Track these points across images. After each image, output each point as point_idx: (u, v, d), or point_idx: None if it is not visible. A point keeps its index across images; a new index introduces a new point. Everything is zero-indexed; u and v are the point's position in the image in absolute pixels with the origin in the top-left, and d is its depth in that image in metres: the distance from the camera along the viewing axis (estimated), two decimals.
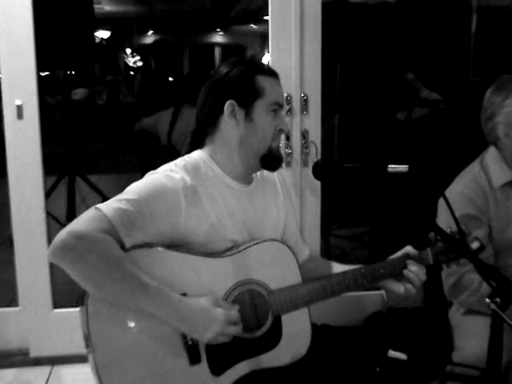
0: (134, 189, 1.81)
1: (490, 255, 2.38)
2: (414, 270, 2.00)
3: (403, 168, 1.71)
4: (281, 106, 1.96)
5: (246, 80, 1.91)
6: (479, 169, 2.49)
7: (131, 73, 7.77)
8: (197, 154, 1.99)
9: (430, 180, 1.98)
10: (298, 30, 3.22)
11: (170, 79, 5.56)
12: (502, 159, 2.45)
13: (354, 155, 4.56)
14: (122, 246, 1.72)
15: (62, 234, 1.67)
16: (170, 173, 1.86)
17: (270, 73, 1.96)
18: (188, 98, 4.26)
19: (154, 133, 4.26)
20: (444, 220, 2.38)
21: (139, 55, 7.84)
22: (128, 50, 7.89)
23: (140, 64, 7.83)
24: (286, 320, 1.93)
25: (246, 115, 1.92)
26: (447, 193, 2.51)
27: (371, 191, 4.05)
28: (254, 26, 8.38)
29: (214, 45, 8.63)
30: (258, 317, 1.89)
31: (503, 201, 2.43)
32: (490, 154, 2.49)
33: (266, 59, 3.54)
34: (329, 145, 4.46)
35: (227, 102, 1.90)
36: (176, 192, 1.82)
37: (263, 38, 8.69)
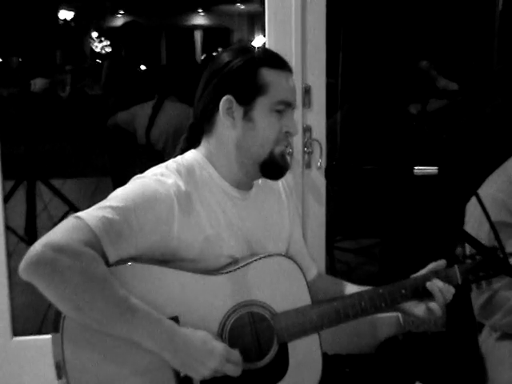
0: (120, 195, 1.79)
1: None
2: (440, 286, 2.00)
3: (432, 170, 1.70)
4: (289, 105, 1.94)
5: (248, 73, 1.89)
6: None
7: (98, 60, 7.76)
8: (191, 155, 1.98)
9: (460, 183, 1.98)
10: (299, 8, 3.20)
11: (143, 68, 5.56)
12: None
13: (359, 155, 4.55)
14: (106, 261, 1.70)
15: (37, 246, 1.64)
16: (160, 177, 1.85)
17: (280, 65, 1.94)
18: (171, 89, 4.24)
19: (130, 130, 4.25)
20: (473, 229, 2.38)
21: (108, 40, 7.82)
22: (95, 34, 7.87)
23: (109, 50, 7.82)
24: (294, 348, 1.93)
25: (244, 114, 1.90)
26: (475, 199, 2.50)
27: (385, 196, 4.05)
28: (242, 6, 8.38)
29: (194, 27, 8.62)
30: (260, 344, 1.88)
31: None
32: None
33: (258, 43, 3.52)
34: (331, 143, 4.45)
35: (224, 98, 1.89)
36: (168, 199, 1.81)
37: (252, 20, 8.69)
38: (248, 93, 1.89)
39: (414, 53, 5.11)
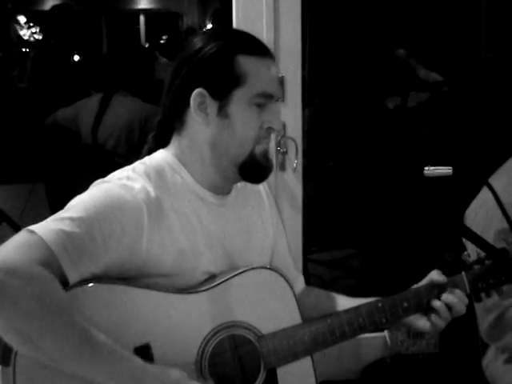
0: (80, 204, 1.75)
1: None
2: (451, 301, 1.99)
3: (446, 170, 1.69)
4: (271, 97, 1.90)
5: (223, 61, 1.85)
6: None
7: (25, 49, 7.66)
8: (160, 156, 1.95)
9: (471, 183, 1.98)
10: None
11: (77, 58, 5.51)
12: None
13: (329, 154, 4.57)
14: (65, 283, 1.65)
15: None
16: (126, 181, 1.81)
17: (259, 51, 1.90)
18: (119, 82, 4.19)
19: (73, 128, 4.17)
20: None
21: (37, 25, 7.72)
22: (22, 19, 7.75)
23: (39, 37, 7.73)
24: (284, 374, 1.91)
25: (219, 109, 1.86)
26: (478, 201, 2.52)
27: (365, 202, 4.07)
28: None
29: (137, 12, 8.57)
30: (245, 372, 1.86)
31: None
32: None
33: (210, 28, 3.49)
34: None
35: (195, 91, 1.85)
36: (136, 207, 1.77)
37: (204, 3, 8.66)
38: (223, 85, 1.85)
39: (390, 40, 5.14)
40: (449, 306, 2.00)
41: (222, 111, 1.86)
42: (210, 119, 1.87)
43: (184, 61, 1.90)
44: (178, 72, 1.90)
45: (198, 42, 1.89)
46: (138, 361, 1.66)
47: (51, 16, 5.24)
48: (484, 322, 2.44)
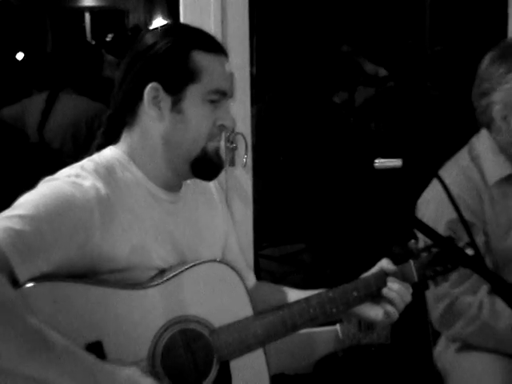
0: (29, 201, 1.73)
1: None
2: (396, 289, 2.01)
3: (396, 162, 1.70)
4: (224, 94, 1.91)
5: (177, 56, 1.85)
6: (469, 160, 2.54)
7: None
8: (110, 153, 1.93)
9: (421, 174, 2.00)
10: None
11: (21, 56, 5.44)
12: (497, 148, 2.49)
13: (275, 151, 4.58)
14: (15, 281, 1.63)
15: None
16: (75, 179, 1.79)
17: (214, 48, 1.91)
18: (65, 80, 4.15)
19: (19, 126, 4.11)
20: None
21: None
22: None
23: None
24: (237, 367, 1.92)
25: (173, 104, 1.86)
26: (428, 194, 2.54)
27: (313, 196, 4.08)
28: None
29: (82, 9, 8.48)
30: (198, 366, 1.86)
31: (501, 200, 2.49)
32: (482, 142, 2.54)
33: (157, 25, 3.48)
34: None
35: (149, 85, 1.85)
36: (87, 204, 1.75)
37: (150, 0, 8.62)
38: (177, 80, 1.85)
39: (337, 36, 5.16)
40: (396, 292, 2.01)
41: (176, 106, 1.86)
42: (163, 114, 1.86)
43: (137, 55, 1.89)
44: (130, 67, 1.90)
45: (151, 37, 1.89)
46: (91, 358, 1.64)
47: None
48: (435, 310, 2.47)
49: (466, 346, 2.49)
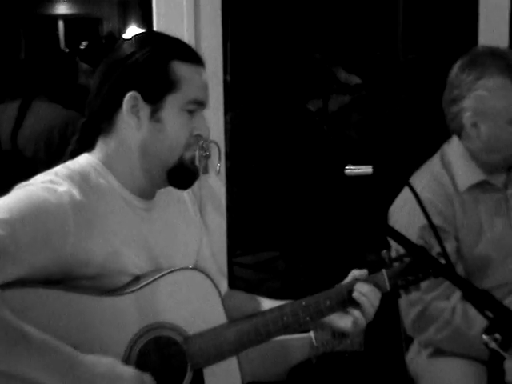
0: (3, 206, 1.72)
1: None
2: (365, 291, 2.00)
3: (366, 170, 1.71)
4: (201, 104, 1.93)
5: (157, 66, 1.87)
6: (440, 167, 2.56)
7: None
8: (84, 160, 1.93)
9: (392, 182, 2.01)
10: None
11: None
12: (468, 154, 2.51)
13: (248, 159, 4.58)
14: None
15: None
16: (50, 184, 1.79)
17: (193, 59, 1.92)
18: (38, 88, 4.12)
19: None
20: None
21: None
22: None
23: None
24: (210, 374, 1.92)
25: (151, 113, 1.87)
26: (400, 200, 2.56)
27: (287, 204, 4.08)
28: None
29: (56, 17, 8.45)
30: (171, 373, 1.87)
31: (472, 206, 2.52)
32: (453, 148, 2.57)
33: (130, 35, 3.47)
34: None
35: (128, 94, 1.86)
36: (61, 210, 1.76)
37: (124, 8, 8.61)
38: (157, 89, 1.86)
39: (311, 44, 5.18)
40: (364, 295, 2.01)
41: (155, 116, 1.87)
42: (141, 123, 1.87)
43: (115, 64, 1.90)
44: (108, 75, 1.90)
45: (129, 46, 1.90)
46: (71, 350, 1.66)
47: None
48: (408, 316, 2.48)
49: (438, 352, 2.50)
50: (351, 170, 1.74)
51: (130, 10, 7.90)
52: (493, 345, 1.59)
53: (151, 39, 1.94)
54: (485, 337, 1.60)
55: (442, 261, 1.97)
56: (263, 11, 4.98)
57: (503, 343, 1.58)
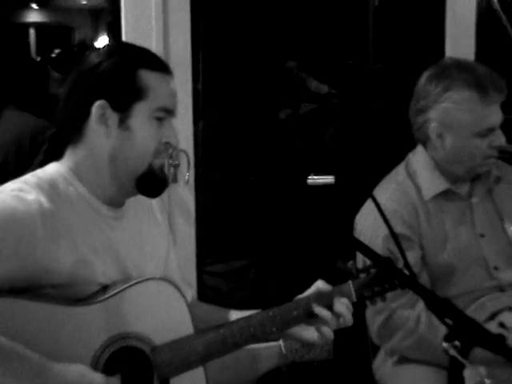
0: None
1: (427, 286, 2.46)
2: (341, 311, 2.02)
3: (328, 179, 1.73)
4: (170, 112, 1.95)
5: (124, 75, 1.88)
6: (405, 176, 2.59)
7: None
8: (54, 168, 1.93)
9: (355, 192, 2.03)
10: (160, 4, 3.20)
11: None
12: (433, 164, 2.54)
13: (225, 167, 4.58)
14: None
15: None
16: (19, 193, 1.79)
17: (160, 67, 1.94)
18: (8, 97, 4.11)
19: None
20: (365, 242, 2.42)
21: None
22: None
23: None
24: None
25: (120, 122, 1.89)
26: (366, 209, 2.58)
27: (257, 212, 4.09)
28: (83, 1, 8.28)
29: (27, 25, 8.42)
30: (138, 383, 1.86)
31: (437, 215, 2.54)
32: (418, 158, 2.59)
33: (102, 43, 3.47)
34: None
35: (96, 103, 1.87)
36: (30, 218, 1.76)
37: (96, 17, 8.60)
38: (125, 98, 1.88)
39: (282, 52, 5.19)
40: (338, 315, 2.02)
41: (123, 124, 1.88)
42: (110, 131, 1.88)
43: (83, 74, 1.91)
44: (76, 85, 1.91)
45: (97, 56, 1.91)
46: (39, 358, 1.66)
47: None
48: (374, 324, 2.50)
49: (404, 359, 2.52)
50: (313, 179, 1.75)
51: (101, 19, 7.88)
52: (452, 352, 1.61)
53: (119, 49, 1.95)
54: (444, 344, 1.63)
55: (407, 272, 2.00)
56: (234, 21, 4.99)
57: (462, 350, 1.61)
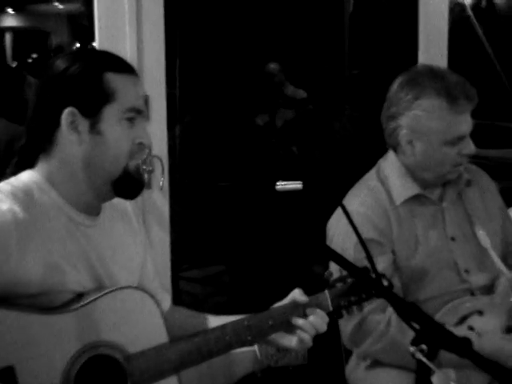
0: None
1: (398, 289, 2.47)
2: (314, 322, 2.03)
3: (296, 185, 1.74)
4: (140, 112, 1.95)
5: (91, 79, 1.88)
6: (376, 181, 2.60)
7: None
8: (28, 177, 1.93)
9: (324, 198, 2.04)
10: (133, 9, 3.20)
11: None
12: (404, 169, 2.57)
13: (203, 173, 4.58)
14: None
15: None
16: None
17: (126, 69, 1.95)
18: None
19: None
20: (337, 248, 2.42)
21: None
22: None
23: None
24: None
25: (91, 127, 1.88)
26: (337, 215, 2.59)
27: (232, 217, 4.09)
28: (60, 6, 8.27)
29: (3, 30, 8.39)
30: None
31: (408, 220, 2.55)
32: (389, 163, 2.61)
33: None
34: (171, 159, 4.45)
35: (65, 111, 1.87)
36: (4, 228, 1.76)
37: (72, 21, 8.58)
38: (93, 102, 1.88)
39: (258, 57, 5.20)
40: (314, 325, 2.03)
41: (94, 128, 1.88)
42: (82, 137, 1.88)
43: (49, 81, 1.91)
44: (43, 93, 1.91)
45: (62, 63, 1.91)
46: None
47: None
48: (346, 328, 2.51)
49: (376, 363, 2.53)
50: (282, 185, 1.76)
51: (78, 23, 7.85)
52: (419, 355, 1.63)
53: (83, 54, 1.96)
54: (411, 348, 1.64)
55: (385, 282, 2.02)
56: (210, 27, 5.00)
57: (429, 354, 1.62)
